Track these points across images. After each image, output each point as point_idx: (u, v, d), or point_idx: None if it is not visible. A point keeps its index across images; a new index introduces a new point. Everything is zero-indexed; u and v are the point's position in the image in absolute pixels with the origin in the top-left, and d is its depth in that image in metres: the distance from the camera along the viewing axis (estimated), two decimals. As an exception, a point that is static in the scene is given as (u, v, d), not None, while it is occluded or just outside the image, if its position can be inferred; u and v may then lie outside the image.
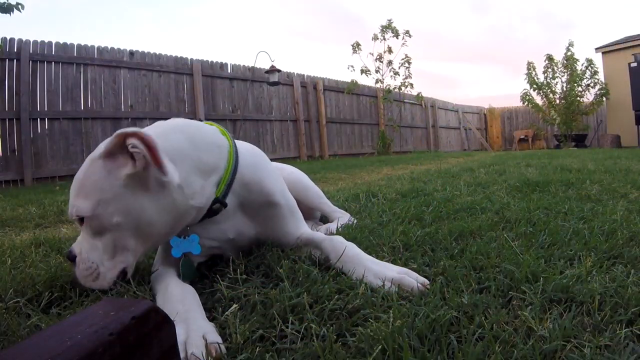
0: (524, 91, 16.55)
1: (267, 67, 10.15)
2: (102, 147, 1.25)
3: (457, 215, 2.11)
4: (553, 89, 15.96)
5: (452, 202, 2.50)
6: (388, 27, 13.41)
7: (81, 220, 1.26)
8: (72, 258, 1.31)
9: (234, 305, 1.11)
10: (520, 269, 1.22)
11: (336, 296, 1.11)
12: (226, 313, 1.08)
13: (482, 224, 1.84)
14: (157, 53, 9.01)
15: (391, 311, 0.99)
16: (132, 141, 1.18)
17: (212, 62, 9.99)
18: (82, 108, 7.70)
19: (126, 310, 0.70)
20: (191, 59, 9.50)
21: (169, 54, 9.19)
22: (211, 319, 1.07)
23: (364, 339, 0.88)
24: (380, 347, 0.84)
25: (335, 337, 0.92)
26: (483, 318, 0.96)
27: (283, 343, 0.92)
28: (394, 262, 1.39)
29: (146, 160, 1.19)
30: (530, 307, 1.02)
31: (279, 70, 10.18)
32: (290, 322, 0.99)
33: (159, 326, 0.73)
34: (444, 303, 1.05)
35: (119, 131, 1.21)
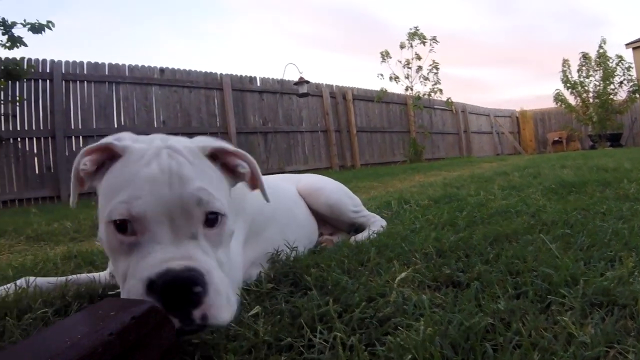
0: (557, 91, 16.34)
1: (296, 78, 10.22)
2: (197, 143, 1.12)
3: (492, 220, 2.07)
4: (586, 88, 15.69)
5: (486, 206, 2.46)
6: (415, 34, 13.45)
7: (208, 219, 0.99)
8: (201, 283, 0.86)
9: (257, 307, 1.11)
10: (559, 272, 1.18)
11: (365, 304, 1.09)
12: (249, 314, 1.08)
13: (518, 227, 1.80)
14: (187, 69, 9.16)
15: (423, 319, 0.96)
16: (238, 162, 1.17)
17: (241, 76, 10.10)
18: (115, 125, 7.86)
19: (126, 310, 0.71)
20: (220, 74, 9.62)
21: (198, 70, 9.34)
22: (236, 322, 1.05)
23: (393, 348, 0.86)
24: (410, 356, 0.81)
25: (364, 347, 0.89)
26: (520, 324, 0.93)
27: (311, 353, 0.90)
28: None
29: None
30: (570, 311, 0.99)
31: (307, 82, 10.24)
32: (318, 331, 0.97)
33: (159, 326, 0.75)
34: (479, 310, 1.02)
35: (220, 142, 1.16)
